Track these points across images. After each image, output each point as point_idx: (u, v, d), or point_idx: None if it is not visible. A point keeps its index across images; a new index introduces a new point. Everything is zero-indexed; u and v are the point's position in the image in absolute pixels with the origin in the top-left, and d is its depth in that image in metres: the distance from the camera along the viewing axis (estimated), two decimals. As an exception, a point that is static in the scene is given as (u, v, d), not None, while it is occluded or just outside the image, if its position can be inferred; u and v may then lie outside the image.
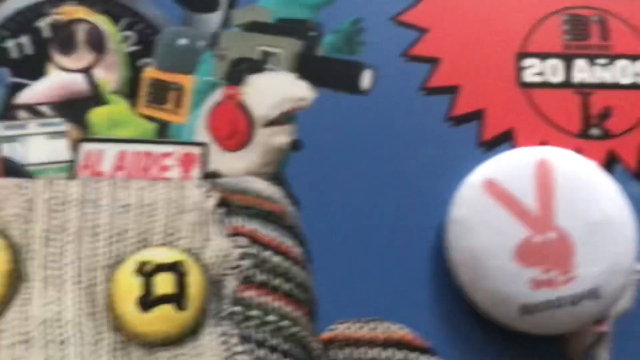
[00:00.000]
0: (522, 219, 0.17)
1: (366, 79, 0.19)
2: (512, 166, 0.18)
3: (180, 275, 0.17)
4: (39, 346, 0.17)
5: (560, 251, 0.17)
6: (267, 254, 0.18)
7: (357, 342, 0.17)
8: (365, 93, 0.19)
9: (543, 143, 0.19)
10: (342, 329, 0.18)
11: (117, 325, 0.17)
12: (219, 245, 0.18)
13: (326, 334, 0.17)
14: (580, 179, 0.18)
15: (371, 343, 0.17)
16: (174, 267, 0.17)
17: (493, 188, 0.18)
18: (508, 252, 0.17)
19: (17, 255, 0.17)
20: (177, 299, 0.17)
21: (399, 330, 0.18)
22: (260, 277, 0.18)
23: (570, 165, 0.18)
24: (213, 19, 0.20)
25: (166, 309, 0.17)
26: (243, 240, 0.18)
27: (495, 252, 0.17)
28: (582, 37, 0.20)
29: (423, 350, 0.17)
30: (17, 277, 0.17)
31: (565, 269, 0.17)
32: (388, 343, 0.17)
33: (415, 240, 0.18)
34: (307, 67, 0.19)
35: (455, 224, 0.18)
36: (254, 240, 0.18)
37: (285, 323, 0.18)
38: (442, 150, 0.19)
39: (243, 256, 0.18)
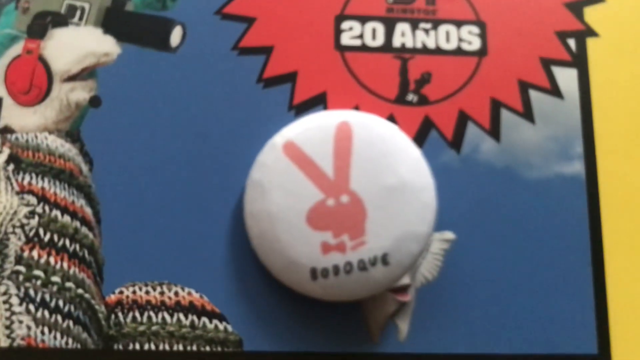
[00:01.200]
0: (316, 182, 0.17)
1: (176, 36, 0.19)
2: (312, 129, 0.17)
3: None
4: None
5: (352, 215, 0.17)
6: (55, 213, 0.17)
7: (144, 306, 0.17)
8: (174, 51, 0.19)
9: (357, 108, 0.19)
10: (128, 293, 0.17)
11: None
12: (5, 202, 0.17)
13: (112, 297, 0.17)
14: (379, 144, 0.17)
15: (158, 307, 0.17)
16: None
17: (292, 150, 0.17)
18: (300, 216, 0.16)
19: None
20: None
21: (187, 295, 0.17)
22: (47, 236, 0.17)
23: (370, 129, 0.17)
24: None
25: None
26: (31, 198, 0.17)
27: (287, 215, 0.16)
28: (407, 0, 0.20)
29: (213, 315, 0.17)
30: None
31: (355, 234, 0.17)
32: (176, 308, 0.17)
33: (216, 204, 0.18)
34: (114, 22, 0.18)
35: (252, 187, 0.17)
36: (43, 198, 0.17)
37: (69, 285, 0.17)
38: (252, 113, 0.18)
39: (30, 215, 0.17)
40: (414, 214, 0.17)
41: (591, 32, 0.20)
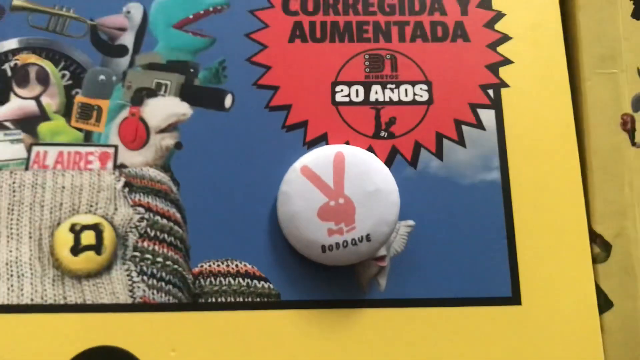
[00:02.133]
0: (322, 190, 0.26)
1: (228, 101, 0.28)
2: (319, 156, 0.27)
3: (99, 232, 0.26)
4: (4, 279, 0.26)
5: (346, 211, 0.26)
6: (157, 217, 0.27)
7: (216, 274, 0.26)
8: (227, 110, 0.28)
9: (347, 142, 0.28)
10: (206, 266, 0.27)
11: (57, 265, 0.26)
12: (124, 213, 0.27)
13: (196, 269, 0.26)
14: (362, 165, 0.26)
15: (226, 274, 0.26)
16: (95, 227, 0.26)
17: (306, 171, 0.27)
18: (313, 212, 0.26)
19: (-12, 220, 0.26)
20: (97, 247, 0.26)
21: (243, 266, 0.27)
22: (152, 233, 0.27)
23: (356, 155, 0.27)
24: (123, 62, 0.29)
25: (89, 254, 0.26)
26: (141, 209, 0.27)
27: (305, 213, 0.26)
28: (378, 69, 0.29)
29: (260, 278, 0.26)
30: (-12, 234, 0.26)
31: (348, 223, 0.26)
32: (237, 274, 0.26)
33: (260, 207, 0.27)
34: (187, 92, 0.28)
35: (281, 195, 0.27)
36: (148, 208, 0.27)
37: (168, 262, 0.27)
38: (280, 148, 0.28)
39: (141, 220, 0.27)
40: (385, 209, 0.26)
41: (504, 84, 0.29)
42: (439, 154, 0.28)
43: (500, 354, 0.25)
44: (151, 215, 0.26)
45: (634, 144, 0.28)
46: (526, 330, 0.26)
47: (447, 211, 0.27)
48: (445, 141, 0.28)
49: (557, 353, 0.26)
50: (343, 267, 0.26)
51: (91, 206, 0.26)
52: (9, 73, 0.28)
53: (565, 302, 0.27)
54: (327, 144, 0.28)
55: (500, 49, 0.29)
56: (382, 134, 0.28)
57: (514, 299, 0.26)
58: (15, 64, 0.28)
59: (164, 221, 0.26)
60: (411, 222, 0.27)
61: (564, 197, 0.28)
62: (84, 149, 0.27)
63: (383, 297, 0.26)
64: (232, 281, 0.26)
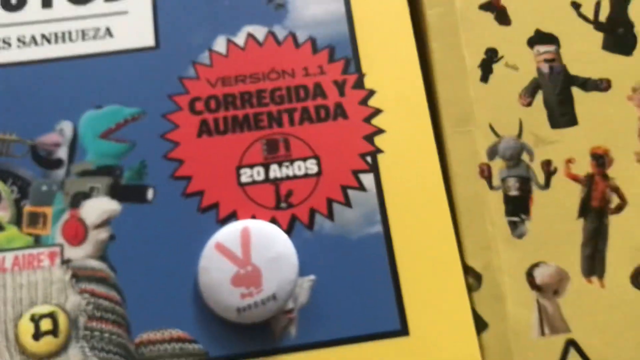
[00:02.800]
0: (233, 262, 0.32)
1: (150, 194, 0.34)
2: (229, 232, 0.32)
3: (54, 319, 0.32)
4: (-23, 368, 0.31)
5: (254, 276, 0.31)
6: (100, 301, 0.32)
7: (154, 342, 0.32)
8: (150, 202, 0.34)
9: (254, 216, 0.34)
10: (145, 336, 0.32)
11: (22, 350, 0.31)
12: (74, 300, 0.32)
13: (137, 339, 0.32)
14: (264, 235, 0.32)
15: (162, 341, 0.32)
16: (51, 314, 0.32)
17: (219, 247, 0.32)
18: (227, 281, 0.31)
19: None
20: (54, 331, 0.31)
21: (176, 332, 0.32)
22: (98, 314, 0.32)
23: (260, 228, 0.32)
24: (60, 172, 0.34)
25: (48, 338, 0.31)
26: (87, 295, 0.32)
27: (220, 282, 0.31)
28: (275, 151, 0.35)
29: (190, 341, 0.32)
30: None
31: (257, 286, 0.32)
32: (171, 340, 0.32)
33: (186, 281, 0.33)
34: (115, 192, 0.34)
35: (201, 270, 0.32)
36: (93, 294, 0.32)
37: (114, 337, 0.32)
38: (197, 229, 0.33)
39: (87, 304, 0.32)
40: (287, 270, 0.32)
41: (379, 151, 0.35)
42: (330, 216, 0.33)
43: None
44: (96, 299, 0.32)
45: (491, 187, 0.34)
46: (416, 356, 0.31)
47: (341, 263, 0.32)
48: (334, 205, 0.33)
49: (444, 371, 0.31)
50: (257, 324, 0.32)
51: (46, 297, 0.32)
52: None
53: (447, 327, 0.32)
54: (237, 219, 0.33)
55: (374, 121, 0.35)
56: (283, 205, 0.33)
57: (403, 330, 0.32)
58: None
59: (107, 303, 0.32)
60: (312, 277, 0.33)
61: (439, 238, 0.33)
62: (35, 250, 0.32)
63: (295, 343, 0.32)
64: (167, 346, 0.31)
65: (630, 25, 0.36)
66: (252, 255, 0.31)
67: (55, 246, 0.32)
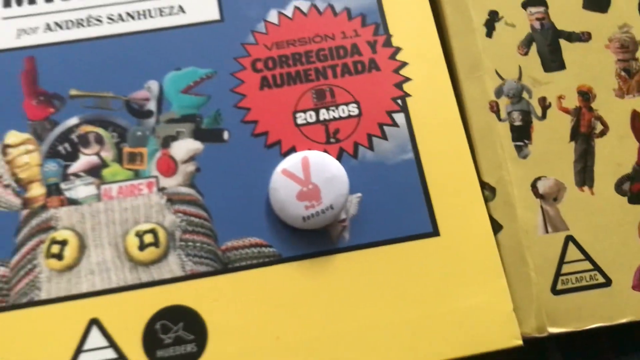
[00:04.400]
0: (297, 182, 0.39)
1: (226, 135, 0.42)
2: (292, 160, 0.40)
3: (155, 234, 0.39)
4: (96, 273, 0.38)
5: (315, 192, 0.39)
6: (191, 218, 0.40)
7: (237, 248, 0.39)
8: (226, 142, 0.41)
9: (309, 149, 0.41)
10: (229, 244, 0.39)
11: (130, 259, 0.38)
12: (170, 218, 0.40)
13: (223, 247, 0.39)
14: (321, 161, 0.40)
15: (243, 247, 0.39)
16: (152, 230, 0.39)
17: (285, 172, 0.40)
18: (293, 197, 0.39)
19: (80, 239, 0.39)
20: (155, 243, 0.38)
21: (254, 239, 0.39)
22: (190, 228, 0.39)
23: (317, 156, 0.40)
24: (151, 121, 0.42)
25: (151, 249, 0.38)
26: (180, 215, 0.40)
27: (288, 198, 0.39)
28: (323, 98, 0.43)
29: (266, 246, 0.39)
30: (82, 246, 0.38)
31: (317, 200, 0.39)
32: (250, 245, 0.39)
33: (260, 199, 0.40)
34: (198, 134, 0.42)
35: (272, 190, 0.39)
36: (185, 213, 0.40)
37: (204, 245, 0.39)
38: (265, 161, 0.41)
39: (181, 221, 0.40)
40: (340, 187, 0.39)
41: (407, 95, 0.43)
42: (370, 147, 0.41)
43: (427, 276, 0.38)
44: (188, 217, 0.39)
45: (500, 119, 0.42)
46: (446, 252, 0.39)
47: (382, 183, 0.40)
48: (374, 139, 0.41)
49: (469, 264, 0.39)
50: (320, 229, 0.39)
51: (148, 217, 0.39)
52: (76, 140, 0.40)
53: (470, 229, 0.39)
54: (295, 152, 0.41)
55: (402, 72, 0.42)
56: (332, 140, 0.41)
57: (434, 232, 0.39)
58: (79, 134, 0.41)
59: (197, 219, 0.39)
60: (359, 194, 0.40)
61: (459, 160, 0.40)
62: (136, 182, 0.39)
63: (348, 245, 0.39)
64: (248, 250, 0.39)
65: (604, -12, 0.44)
66: (312, 176, 0.38)
67: (151, 178, 0.39)
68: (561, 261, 0.38)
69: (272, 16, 0.43)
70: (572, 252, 0.38)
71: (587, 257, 0.38)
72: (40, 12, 0.43)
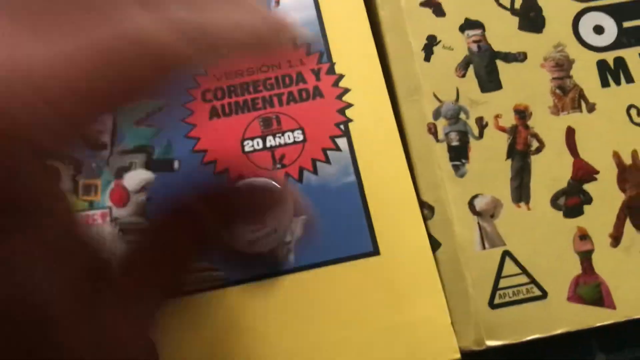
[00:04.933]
0: (242, 208, 0.41)
1: (176, 165, 0.44)
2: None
3: (109, 262, 0.41)
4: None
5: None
6: (143, 245, 0.41)
7: (186, 273, 0.41)
8: (176, 171, 0.43)
9: (255, 175, 0.43)
10: (179, 269, 0.41)
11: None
12: (122, 248, 0.41)
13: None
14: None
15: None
16: (106, 259, 0.41)
17: (231, 198, 0.42)
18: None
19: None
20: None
21: (203, 264, 0.41)
22: (142, 255, 0.41)
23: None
24: (105, 153, 0.44)
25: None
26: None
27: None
28: (269, 126, 0.44)
29: (214, 270, 0.41)
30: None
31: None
32: (200, 269, 0.41)
33: (207, 227, 0.42)
34: (149, 165, 0.44)
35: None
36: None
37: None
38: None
39: (134, 248, 0.41)
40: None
41: (350, 120, 0.45)
42: (315, 171, 0.42)
43: (368, 294, 0.40)
44: (139, 244, 0.41)
45: (437, 140, 0.43)
46: (387, 270, 0.41)
47: (326, 205, 0.42)
48: (318, 163, 0.43)
49: (408, 281, 0.40)
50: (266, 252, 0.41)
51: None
52: (35, 174, 0.43)
53: (410, 247, 0.40)
54: (243, 179, 0.42)
55: (345, 97, 0.44)
56: (278, 166, 0.43)
57: (375, 251, 0.41)
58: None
59: (148, 247, 0.41)
60: (304, 216, 0.42)
61: (399, 181, 0.42)
62: (91, 212, 0.42)
63: (293, 267, 0.41)
64: (197, 275, 0.40)
65: (539, 9, 0.45)
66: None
67: (105, 208, 0.41)
68: (498, 276, 0.39)
69: (221, 48, 0.45)
70: (509, 267, 0.40)
71: (524, 271, 0.40)
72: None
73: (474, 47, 0.44)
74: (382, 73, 0.44)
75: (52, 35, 0.17)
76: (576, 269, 0.39)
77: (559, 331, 0.39)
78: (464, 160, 0.42)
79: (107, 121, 0.43)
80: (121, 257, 0.24)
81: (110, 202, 0.41)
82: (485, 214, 0.41)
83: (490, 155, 0.42)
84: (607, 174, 0.41)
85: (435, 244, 0.40)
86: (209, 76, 0.44)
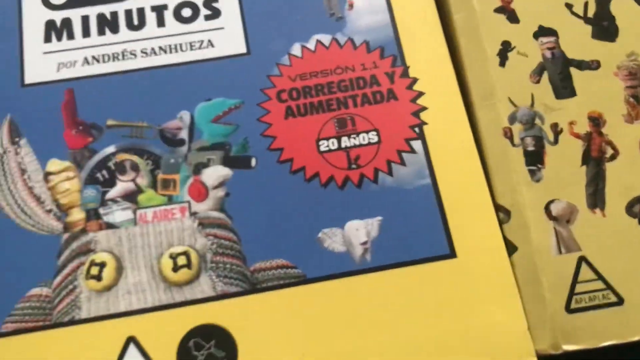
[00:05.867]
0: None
1: (253, 162, 0.43)
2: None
3: (188, 256, 0.41)
4: (133, 294, 0.40)
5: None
6: (222, 241, 0.41)
7: (264, 269, 0.41)
8: (253, 169, 0.43)
9: (331, 174, 0.43)
10: (257, 265, 0.41)
11: (164, 279, 0.40)
12: (202, 241, 0.41)
13: (252, 267, 0.41)
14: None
15: (270, 268, 0.41)
16: (185, 253, 0.41)
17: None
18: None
19: (118, 261, 0.41)
20: (188, 265, 0.40)
21: (280, 261, 0.41)
22: (220, 250, 0.41)
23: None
24: (183, 149, 0.44)
25: (184, 270, 0.40)
26: (211, 237, 0.41)
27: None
28: (344, 126, 0.44)
29: (291, 267, 0.41)
30: (119, 268, 0.40)
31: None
32: (277, 267, 0.41)
33: (285, 221, 0.42)
34: (227, 161, 0.43)
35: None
36: (216, 236, 0.42)
37: (234, 267, 0.41)
38: (288, 186, 0.43)
39: (212, 244, 0.41)
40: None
41: (424, 123, 0.44)
42: (390, 173, 0.42)
43: (444, 296, 0.39)
44: (218, 240, 0.41)
45: (513, 145, 0.43)
46: (463, 273, 0.40)
47: (401, 207, 0.41)
48: (393, 165, 0.42)
49: (484, 285, 0.40)
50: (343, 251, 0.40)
51: (180, 240, 0.41)
52: (113, 167, 0.43)
53: (486, 251, 0.40)
54: (319, 178, 0.42)
55: (419, 101, 0.44)
56: (353, 166, 0.43)
57: (451, 254, 0.40)
58: (115, 161, 0.43)
59: (227, 242, 0.41)
60: (379, 217, 0.42)
61: (474, 184, 0.42)
62: (169, 207, 0.41)
63: (370, 266, 0.40)
64: (274, 272, 0.40)
65: (612, 18, 0.45)
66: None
67: (184, 203, 0.41)
68: (574, 281, 0.39)
69: (296, 49, 0.45)
70: (585, 272, 0.39)
71: (600, 277, 0.39)
72: (78, 47, 0.45)
73: (548, 54, 0.44)
74: (455, 77, 0.44)
75: None
76: (651, 276, 0.39)
77: (636, 338, 0.38)
78: (539, 165, 0.41)
79: (184, 118, 0.43)
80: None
81: (189, 196, 0.41)
82: (562, 219, 0.40)
83: (565, 161, 0.41)
84: (681, 183, 0.41)
85: (511, 248, 0.40)
86: (284, 76, 0.44)
